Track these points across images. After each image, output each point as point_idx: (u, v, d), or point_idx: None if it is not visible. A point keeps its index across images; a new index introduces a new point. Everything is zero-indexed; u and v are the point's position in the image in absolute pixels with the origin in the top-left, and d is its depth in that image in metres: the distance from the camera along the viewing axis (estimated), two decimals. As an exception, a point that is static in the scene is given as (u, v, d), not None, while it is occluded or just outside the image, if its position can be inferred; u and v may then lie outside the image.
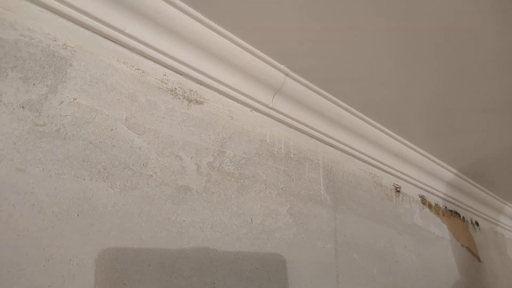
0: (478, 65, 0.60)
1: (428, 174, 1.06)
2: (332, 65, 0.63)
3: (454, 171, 1.11)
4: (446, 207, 1.15)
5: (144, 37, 0.50)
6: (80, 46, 0.45)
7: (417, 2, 0.48)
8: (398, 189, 0.95)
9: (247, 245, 0.53)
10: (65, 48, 0.43)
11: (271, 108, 0.66)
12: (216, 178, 0.53)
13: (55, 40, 0.42)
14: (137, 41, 0.49)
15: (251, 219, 0.56)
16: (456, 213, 1.20)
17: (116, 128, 0.45)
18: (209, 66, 0.57)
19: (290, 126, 0.70)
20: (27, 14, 0.41)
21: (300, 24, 0.54)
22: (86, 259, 0.37)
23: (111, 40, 0.48)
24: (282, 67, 0.64)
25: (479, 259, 1.18)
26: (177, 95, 0.53)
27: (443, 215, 1.11)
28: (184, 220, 0.47)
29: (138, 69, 0.50)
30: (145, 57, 0.51)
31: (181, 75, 0.55)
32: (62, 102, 0.41)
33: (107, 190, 0.41)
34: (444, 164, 1.07)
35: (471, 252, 1.16)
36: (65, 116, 0.40)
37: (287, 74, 0.65)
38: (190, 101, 0.55)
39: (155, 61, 0.52)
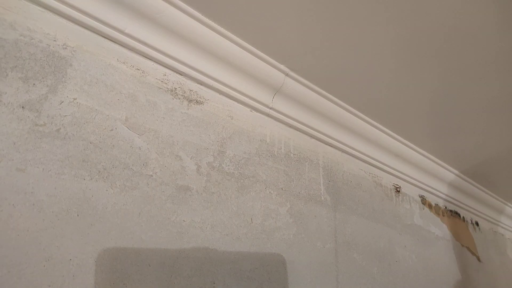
0: (478, 65, 0.60)
1: (428, 174, 1.06)
2: (332, 65, 0.63)
3: (454, 171, 1.11)
4: (446, 207, 1.15)
5: (144, 37, 0.50)
6: (80, 46, 0.45)
7: (417, 3, 0.48)
8: (398, 189, 0.95)
9: (247, 245, 0.53)
10: (65, 48, 0.43)
11: (271, 108, 0.66)
12: (216, 178, 0.53)
13: (55, 40, 0.42)
14: (137, 41, 0.49)
15: (251, 219, 0.56)
16: (456, 213, 1.20)
17: (116, 128, 0.45)
18: (209, 66, 0.57)
19: (290, 126, 0.70)
20: (27, 14, 0.41)
21: (300, 24, 0.54)
22: (86, 259, 0.37)
23: (111, 40, 0.48)
24: (282, 67, 0.64)
25: (479, 259, 1.18)
26: (177, 95, 0.53)
27: (443, 215, 1.11)
28: (184, 220, 0.47)
29: (138, 69, 0.50)
30: (145, 57, 0.51)
31: (181, 75, 0.55)
32: (62, 102, 0.41)
33: (107, 190, 0.41)
34: (444, 164, 1.07)
35: (471, 252, 1.16)
36: (65, 116, 0.40)
37: (287, 74, 0.65)
38: (190, 101, 0.55)
39: (155, 61, 0.52)
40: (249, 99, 0.63)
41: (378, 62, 0.62)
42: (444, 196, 1.14)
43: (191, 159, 0.51)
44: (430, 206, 1.07)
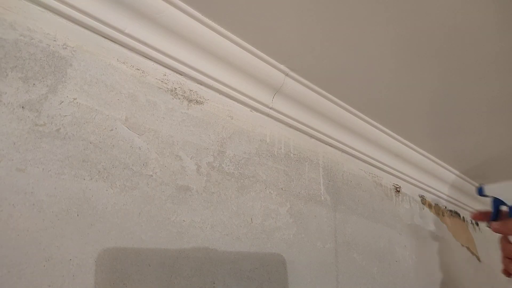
0: (479, 65, 0.60)
1: (428, 174, 1.06)
2: (332, 65, 0.63)
3: (455, 171, 1.11)
4: (446, 207, 1.15)
5: (144, 37, 0.50)
6: (80, 46, 0.45)
7: (417, 3, 0.48)
8: (398, 189, 0.95)
9: (247, 245, 0.53)
10: (65, 48, 0.43)
11: (271, 108, 0.66)
12: (216, 178, 0.53)
13: (55, 40, 0.42)
14: (137, 41, 0.49)
15: (251, 219, 0.56)
16: (456, 213, 1.20)
17: (116, 128, 0.45)
18: (209, 66, 0.57)
19: (290, 126, 0.70)
20: (27, 14, 0.41)
21: (300, 24, 0.54)
22: (86, 259, 0.37)
23: (111, 40, 0.48)
24: (282, 67, 0.64)
25: (479, 259, 1.18)
26: (177, 95, 0.53)
27: (443, 215, 1.11)
28: (184, 220, 0.47)
29: (138, 69, 0.50)
30: (145, 57, 0.51)
31: (181, 75, 0.55)
32: (62, 102, 0.41)
33: (107, 190, 0.41)
34: (444, 164, 1.07)
35: (471, 252, 1.16)
36: (65, 116, 0.40)
37: (287, 74, 0.65)
38: (190, 101, 0.55)
39: (155, 61, 0.52)
40: (249, 99, 0.63)
41: (378, 62, 0.62)
42: (444, 196, 1.14)
43: (191, 159, 0.51)
44: (430, 206, 1.07)
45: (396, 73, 0.65)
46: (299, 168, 0.69)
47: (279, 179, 0.63)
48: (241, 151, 0.59)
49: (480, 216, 0.57)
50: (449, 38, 0.54)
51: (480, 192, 0.59)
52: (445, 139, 0.91)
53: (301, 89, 0.68)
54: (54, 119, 0.39)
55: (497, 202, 0.54)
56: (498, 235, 0.53)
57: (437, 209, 1.10)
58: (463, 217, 1.22)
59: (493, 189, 0.56)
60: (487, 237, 1.29)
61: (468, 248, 1.15)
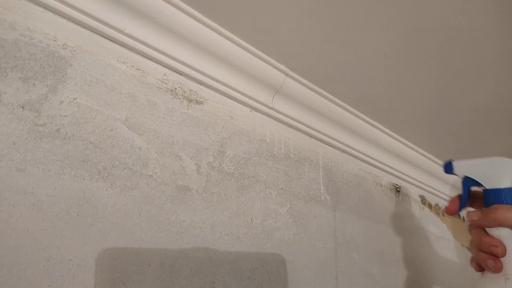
0: (479, 65, 0.60)
1: (428, 174, 1.06)
2: (332, 65, 0.63)
3: (454, 171, 1.11)
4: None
5: (144, 37, 0.50)
6: (80, 46, 0.45)
7: (417, 3, 0.48)
8: (398, 189, 0.95)
9: (247, 245, 0.53)
10: (65, 48, 0.43)
11: (271, 108, 0.66)
12: (216, 178, 0.53)
13: (55, 40, 0.42)
14: (137, 41, 0.49)
15: (251, 219, 0.56)
16: (456, 213, 1.19)
17: (116, 128, 0.45)
18: (209, 66, 0.57)
19: (290, 126, 0.70)
20: (27, 14, 0.41)
21: (300, 24, 0.54)
22: (86, 259, 0.37)
23: (111, 40, 0.48)
24: (282, 67, 0.64)
25: (479, 259, 1.18)
26: (177, 95, 0.53)
27: (443, 215, 1.11)
28: (184, 220, 0.47)
29: (138, 69, 0.50)
30: (145, 57, 0.51)
31: (181, 75, 0.55)
32: (62, 102, 0.41)
33: (107, 190, 0.41)
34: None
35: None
36: (65, 116, 0.40)
37: (287, 74, 0.65)
38: (190, 101, 0.55)
39: (155, 61, 0.52)
40: (249, 99, 0.63)
41: (378, 62, 0.62)
42: (444, 196, 1.14)
43: (191, 159, 0.51)
44: (430, 206, 1.07)
45: (396, 73, 0.65)
46: (299, 168, 0.69)
47: (279, 179, 0.63)
48: (241, 151, 0.59)
49: (451, 207, 0.44)
50: (448, 38, 0.54)
51: (448, 169, 0.45)
52: (445, 139, 0.91)
53: (301, 89, 0.68)
54: (54, 119, 0.39)
55: (469, 183, 0.43)
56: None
57: (437, 209, 1.10)
58: (463, 217, 1.22)
59: (465, 167, 0.43)
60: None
61: (468, 248, 1.15)
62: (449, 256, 1.05)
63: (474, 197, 0.43)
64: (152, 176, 0.46)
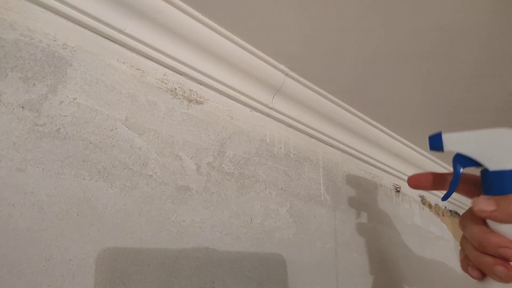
0: (480, 65, 0.60)
1: (428, 174, 1.06)
2: (332, 65, 0.63)
3: (454, 171, 1.11)
4: (446, 207, 1.15)
5: (144, 37, 0.50)
6: (80, 46, 0.45)
7: (419, 3, 0.48)
8: (398, 189, 0.95)
9: (247, 245, 0.53)
10: (65, 48, 0.43)
11: (271, 108, 0.66)
12: (216, 178, 0.53)
13: (55, 40, 0.42)
14: (137, 41, 0.49)
15: (251, 219, 0.56)
16: (456, 213, 1.19)
17: (116, 128, 0.45)
18: (209, 66, 0.57)
19: (290, 126, 0.70)
20: (27, 14, 0.41)
21: (300, 24, 0.54)
22: (86, 259, 0.37)
23: (111, 40, 0.48)
24: (282, 67, 0.64)
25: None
26: (177, 95, 0.53)
27: (443, 215, 1.11)
28: (184, 220, 0.47)
29: (138, 69, 0.50)
30: (145, 57, 0.51)
31: (181, 75, 0.55)
32: (62, 102, 0.41)
33: (107, 190, 0.41)
34: (445, 165, 1.07)
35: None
36: (65, 116, 0.40)
37: (287, 74, 0.65)
38: (190, 101, 0.55)
39: (155, 61, 0.52)
40: (249, 99, 0.63)
41: (378, 62, 0.62)
42: (444, 196, 1.14)
43: (191, 159, 0.51)
44: (430, 206, 1.07)
45: (397, 72, 0.65)
46: (299, 168, 0.69)
47: (279, 179, 0.63)
48: (241, 151, 0.59)
49: (420, 182, 0.36)
50: (450, 37, 0.54)
51: (435, 143, 0.36)
52: (445, 139, 0.91)
53: (301, 89, 0.68)
54: (54, 119, 0.39)
55: (463, 162, 0.33)
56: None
57: (437, 209, 1.10)
58: (463, 217, 1.22)
59: (458, 141, 0.34)
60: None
61: (468, 248, 1.15)
62: (449, 256, 1.05)
63: (468, 183, 0.34)
64: (152, 176, 0.46)
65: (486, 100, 0.71)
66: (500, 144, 0.30)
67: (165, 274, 0.43)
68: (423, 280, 0.89)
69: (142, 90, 0.49)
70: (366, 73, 0.65)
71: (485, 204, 0.29)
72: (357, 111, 0.78)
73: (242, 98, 0.62)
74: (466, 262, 0.31)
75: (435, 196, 1.11)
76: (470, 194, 0.33)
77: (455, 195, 1.13)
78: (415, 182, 0.36)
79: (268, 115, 0.67)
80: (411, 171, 1.00)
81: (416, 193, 1.03)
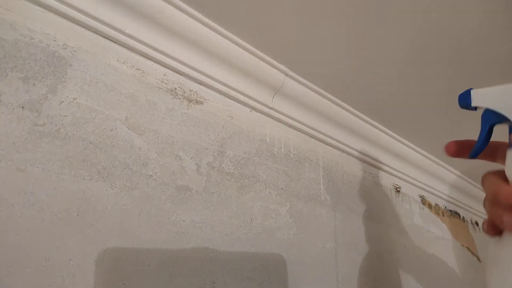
0: (479, 65, 0.60)
1: (428, 174, 1.06)
2: (332, 65, 0.63)
3: (455, 171, 1.11)
4: (446, 207, 1.15)
5: (144, 37, 0.50)
6: (80, 46, 0.45)
7: (419, 3, 0.48)
8: (398, 189, 0.95)
9: (247, 245, 0.53)
10: (65, 48, 0.43)
11: (271, 108, 0.66)
12: (216, 178, 0.53)
13: (55, 40, 0.42)
14: (137, 41, 0.49)
15: (251, 219, 0.56)
16: (456, 213, 1.19)
17: (116, 128, 0.45)
18: (209, 66, 0.57)
19: (290, 126, 0.70)
20: (27, 14, 0.41)
21: (300, 24, 0.54)
22: (86, 259, 0.37)
23: (111, 40, 0.48)
24: (282, 67, 0.64)
25: (479, 259, 1.18)
26: (177, 95, 0.53)
27: (443, 215, 1.11)
28: (184, 220, 0.47)
29: (138, 69, 0.50)
30: (145, 57, 0.51)
31: (181, 75, 0.55)
32: (62, 102, 0.41)
33: (107, 190, 0.41)
34: (445, 165, 1.07)
35: (471, 252, 1.16)
36: (65, 116, 0.40)
37: (287, 74, 0.65)
38: (190, 101, 0.55)
39: (155, 61, 0.52)
40: (249, 99, 0.63)
41: (378, 62, 0.62)
42: (444, 196, 1.14)
43: (191, 159, 0.51)
44: (430, 206, 1.07)
45: (396, 72, 0.65)
46: (299, 168, 0.69)
47: (279, 179, 0.63)
48: (241, 151, 0.59)
49: (456, 149, 0.34)
50: (450, 38, 0.54)
51: (464, 100, 0.33)
52: (445, 139, 0.91)
53: (301, 89, 0.68)
54: (54, 119, 0.39)
55: (491, 119, 0.31)
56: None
57: (437, 209, 1.10)
58: (463, 217, 1.22)
59: (488, 96, 0.32)
60: (487, 237, 1.29)
61: (468, 248, 1.15)
62: (449, 256, 1.05)
63: (497, 146, 0.32)
64: (152, 176, 0.46)
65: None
66: None
67: (165, 274, 0.43)
68: (423, 280, 0.89)
69: (142, 90, 0.49)
70: (366, 73, 0.65)
71: None
72: (357, 111, 0.78)
73: (242, 98, 0.62)
74: (484, 221, 0.30)
75: (435, 196, 1.11)
76: (493, 158, 0.31)
77: (455, 195, 1.11)
78: (455, 149, 0.34)
79: (268, 115, 0.67)
80: (411, 171, 1.00)
81: (416, 193, 1.03)
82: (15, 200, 0.34)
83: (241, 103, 0.63)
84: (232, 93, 0.60)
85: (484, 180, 0.30)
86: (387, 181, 0.92)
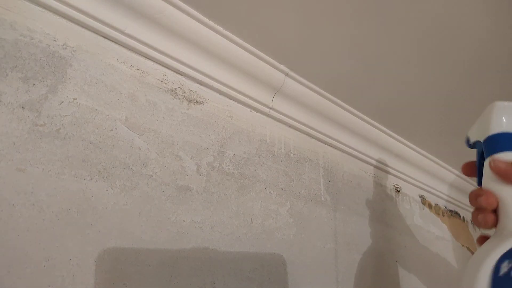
0: (479, 65, 0.60)
1: (428, 174, 1.06)
2: (332, 65, 0.63)
3: (455, 171, 1.11)
4: (446, 207, 1.15)
5: (144, 37, 0.50)
6: (80, 46, 0.45)
7: (420, 2, 0.48)
8: (398, 189, 0.95)
9: (247, 245, 0.53)
10: (65, 48, 0.43)
11: (271, 108, 0.66)
12: (216, 178, 0.53)
13: (55, 40, 0.42)
14: (137, 41, 0.49)
15: (251, 219, 0.56)
16: (456, 213, 1.19)
17: (116, 128, 0.45)
18: (209, 66, 0.57)
19: (290, 126, 0.70)
20: (27, 14, 0.41)
21: (300, 24, 0.54)
22: (86, 259, 0.37)
23: (111, 40, 0.48)
24: (282, 67, 0.64)
25: (479, 259, 1.18)
26: (177, 95, 0.53)
27: (443, 215, 1.11)
28: (184, 220, 0.47)
29: (138, 69, 0.50)
30: (145, 57, 0.51)
31: (181, 75, 0.55)
32: (62, 102, 0.41)
33: (107, 190, 0.41)
34: (445, 164, 1.07)
35: (471, 252, 1.16)
36: (65, 116, 0.40)
37: (287, 74, 0.65)
38: (190, 101, 0.55)
39: (155, 61, 0.52)
40: (249, 99, 0.63)
41: (378, 62, 0.62)
42: (444, 196, 1.14)
43: (191, 159, 0.51)
44: (430, 206, 1.07)
45: (396, 73, 0.65)
46: (299, 168, 0.69)
47: (279, 179, 0.63)
48: (241, 151, 0.59)
49: (466, 170, 0.38)
50: (449, 38, 0.54)
51: (467, 142, 0.36)
52: (445, 139, 0.91)
53: (301, 89, 0.68)
54: (54, 119, 0.39)
55: (478, 147, 0.35)
56: None
57: (437, 209, 1.10)
58: (463, 217, 1.22)
59: (472, 131, 0.35)
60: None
61: (468, 248, 1.15)
62: (449, 256, 1.05)
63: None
64: (152, 176, 0.46)
65: (487, 100, 0.71)
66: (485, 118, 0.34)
67: (165, 274, 0.43)
68: (423, 280, 0.89)
69: (142, 90, 0.49)
70: (366, 73, 0.65)
71: (499, 162, 0.31)
72: (357, 111, 0.78)
73: (242, 98, 0.62)
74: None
75: (435, 196, 1.11)
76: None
77: (455, 195, 1.11)
78: (464, 170, 0.38)
79: (268, 115, 0.67)
80: (411, 171, 1.00)
81: (416, 193, 1.03)
82: (15, 200, 0.34)
83: (241, 103, 0.63)
84: (232, 93, 0.60)
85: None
86: (387, 181, 0.92)
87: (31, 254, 0.34)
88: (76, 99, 0.42)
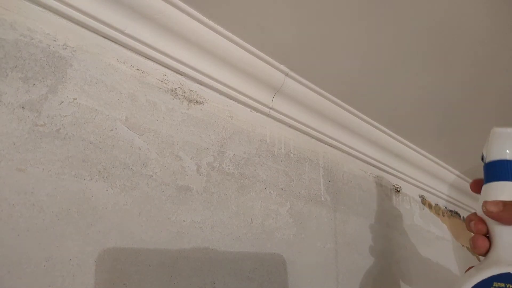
0: (479, 65, 0.60)
1: (428, 174, 1.06)
2: (332, 65, 0.63)
3: (455, 171, 1.11)
4: (446, 207, 1.15)
5: (144, 37, 0.50)
6: (80, 46, 0.45)
7: (420, 2, 0.48)
8: (398, 189, 0.95)
9: (247, 245, 0.53)
10: (65, 48, 0.43)
11: (271, 108, 0.66)
12: (216, 178, 0.53)
13: (55, 40, 0.42)
14: (137, 41, 0.49)
15: (251, 219, 0.56)
16: (456, 213, 1.19)
17: (116, 128, 0.45)
18: (209, 66, 0.57)
19: (290, 126, 0.70)
20: (27, 14, 0.41)
21: (300, 24, 0.54)
22: (86, 259, 0.37)
23: (111, 40, 0.48)
24: (282, 67, 0.64)
25: (479, 260, 1.18)
26: (177, 95, 0.53)
27: (443, 215, 1.11)
28: (184, 220, 0.47)
29: (138, 69, 0.50)
30: (145, 57, 0.51)
31: (181, 75, 0.55)
32: (62, 102, 0.41)
33: (107, 190, 0.41)
34: (445, 165, 1.07)
35: (471, 252, 1.16)
36: (65, 116, 0.40)
37: (287, 74, 0.65)
38: (190, 101, 0.55)
39: (155, 61, 0.52)
40: (249, 99, 0.63)
41: (378, 62, 0.62)
42: (444, 196, 1.14)
43: (191, 159, 0.51)
44: (430, 206, 1.07)
45: (396, 73, 0.65)
46: (299, 168, 0.69)
47: (279, 179, 0.63)
48: (241, 151, 0.59)
49: (473, 187, 0.38)
50: (449, 37, 0.54)
51: (482, 160, 0.35)
52: (445, 139, 0.91)
53: (301, 89, 0.68)
54: (54, 119, 0.39)
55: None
56: None
57: (437, 209, 1.10)
58: (463, 217, 1.22)
59: (486, 151, 0.34)
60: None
61: (468, 248, 1.15)
62: (449, 256, 1.05)
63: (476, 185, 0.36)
64: (152, 176, 0.46)
65: (487, 100, 0.71)
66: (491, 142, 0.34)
67: (165, 274, 0.43)
68: (423, 280, 0.89)
69: (142, 90, 0.49)
70: (366, 73, 0.65)
71: (491, 205, 0.31)
72: (357, 111, 0.78)
73: (242, 98, 0.62)
74: None
75: (435, 196, 1.11)
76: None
77: (455, 195, 1.11)
78: (475, 187, 0.38)
79: (268, 115, 0.67)
80: (411, 171, 1.00)
81: (416, 193, 1.03)
82: (15, 200, 0.34)
83: (241, 103, 0.63)
84: (232, 93, 0.60)
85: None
86: (387, 181, 0.92)
87: (31, 254, 0.34)
88: (76, 99, 0.42)
